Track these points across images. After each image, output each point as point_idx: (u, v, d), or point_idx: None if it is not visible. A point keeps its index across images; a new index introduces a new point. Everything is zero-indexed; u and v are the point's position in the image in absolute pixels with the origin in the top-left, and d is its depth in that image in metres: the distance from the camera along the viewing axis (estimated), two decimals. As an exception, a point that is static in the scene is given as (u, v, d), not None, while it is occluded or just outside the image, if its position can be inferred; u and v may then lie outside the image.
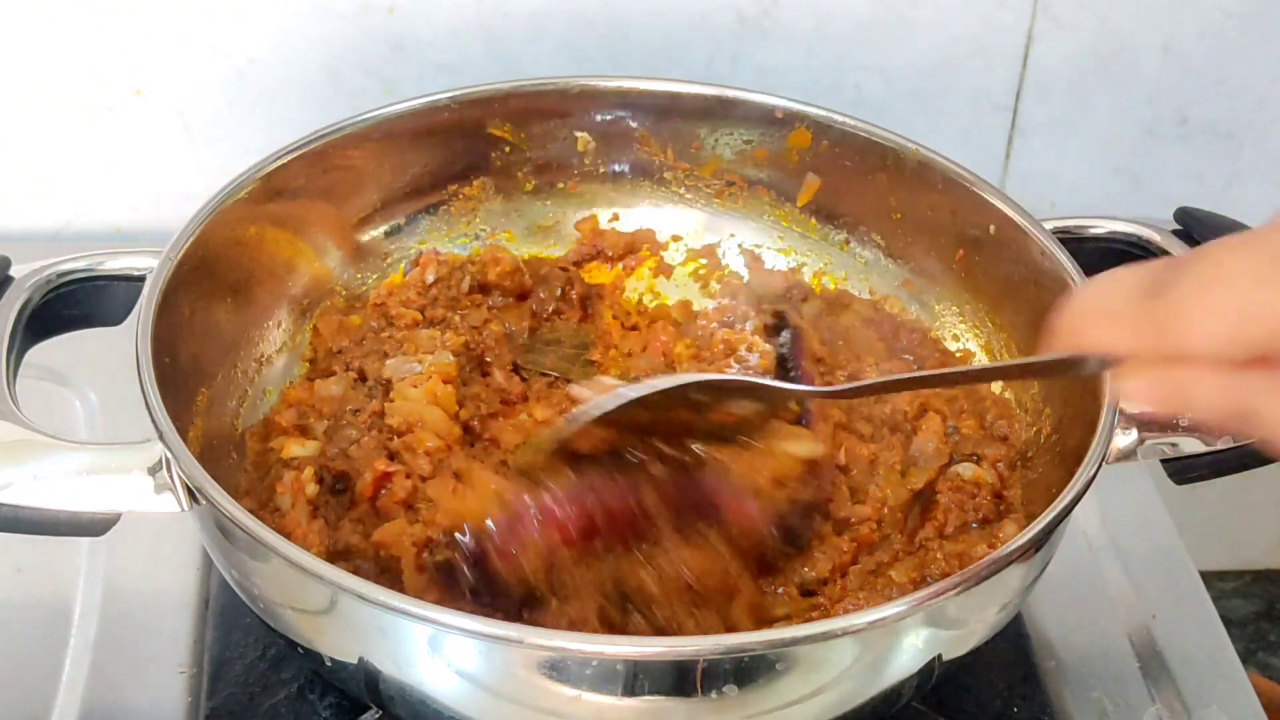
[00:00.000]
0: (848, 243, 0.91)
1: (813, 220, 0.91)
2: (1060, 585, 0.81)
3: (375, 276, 0.89)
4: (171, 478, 0.66)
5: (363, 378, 0.81)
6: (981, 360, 0.85)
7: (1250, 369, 0.46)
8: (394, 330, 0.83)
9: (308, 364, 0.84)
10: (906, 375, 0.82)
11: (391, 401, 0.78)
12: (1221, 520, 1.43)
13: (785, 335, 0.83)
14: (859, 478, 0.77)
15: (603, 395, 0.69)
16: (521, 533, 0.66)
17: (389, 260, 0.90)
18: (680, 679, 0.59)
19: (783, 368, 0.81)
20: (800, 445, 0.72)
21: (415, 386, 0.78)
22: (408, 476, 0.74)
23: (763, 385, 0.72)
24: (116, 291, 0.77)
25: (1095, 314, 0.49)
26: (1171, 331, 0.46)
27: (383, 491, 0.74)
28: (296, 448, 0.77)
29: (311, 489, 0.73)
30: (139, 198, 1.07)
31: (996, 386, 0.83)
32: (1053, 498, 0.65)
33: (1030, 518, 0.67)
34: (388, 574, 0.70)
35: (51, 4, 0.98)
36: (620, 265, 0.92)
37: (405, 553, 0.70)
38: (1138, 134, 1.12)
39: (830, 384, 0.82)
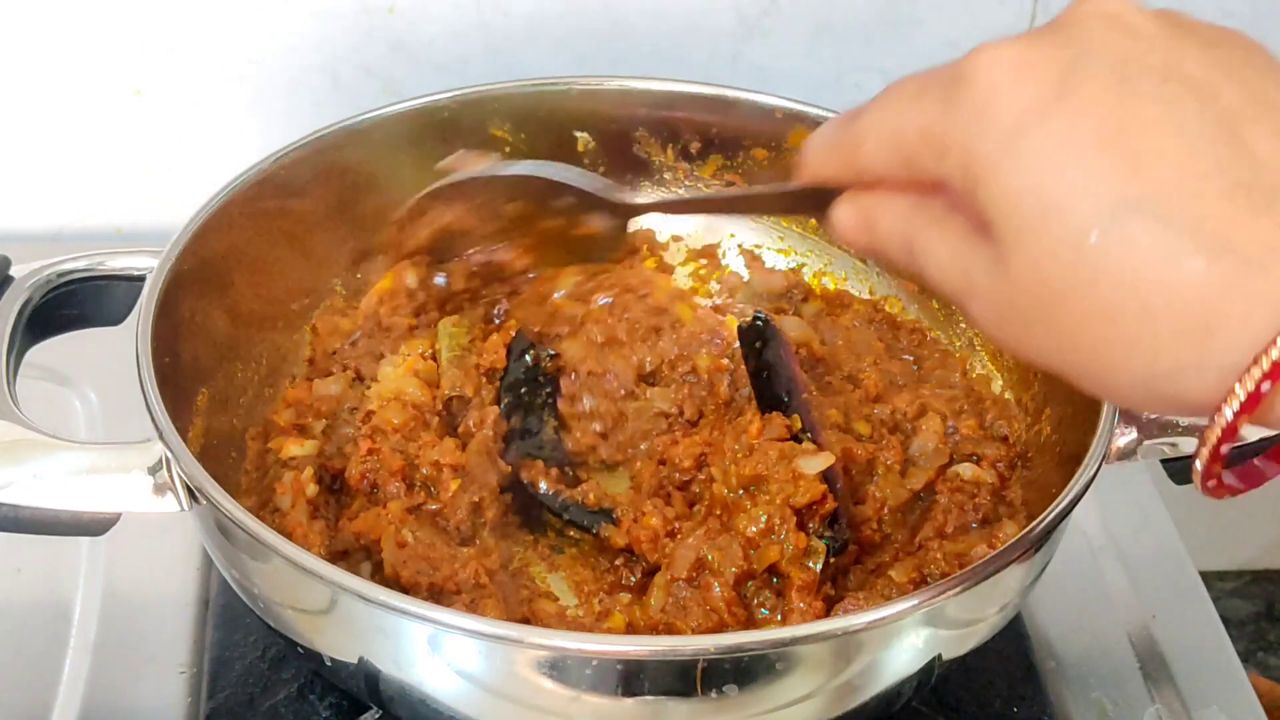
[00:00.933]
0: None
1: (813, 220, 0.91)
2: (1060, 585, 0.81)
3: (374, 275, 0.89)
4: (171, 477, 0.66)
5: (359, 377, 0.81)
6: (984, 361, 0.85)
7: (925, 196, 0.50)
8: (389, 336, 0.83)
9: (307, 364, 0.84)
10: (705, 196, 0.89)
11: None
12: (1221, 520, 1.43)
13: (766, 356, 0.80)
14: (858, 478, 0.77)
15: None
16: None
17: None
18: (680, 679, 0.59)
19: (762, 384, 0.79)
20: (813, 462, 0.71)
21: (396, 366, 0.79)
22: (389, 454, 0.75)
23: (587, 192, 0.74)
24: (116, 291, 0.77)
25: (812, 146, 0.54)
26: (855, 151, 0.52)
27: (368, 481, 0.75)
28: (295, 448, 0.77)
29: (311, 489, 0.73)
30: (139, 198, 1.07)
31: (996, 386, 0.83)
32: (1053, 498, 0.65)
33: (1030, 518, 0.67)
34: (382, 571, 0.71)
35: (51, 4, 0.98)
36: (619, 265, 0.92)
37: (384, 533, 0.71)
38: (1138, 134, 1.12)
39: (829, 388, 0.82)
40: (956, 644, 0.66)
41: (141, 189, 1.07)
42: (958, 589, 0.60)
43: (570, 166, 0.75)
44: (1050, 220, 0.45)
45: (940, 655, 0.65)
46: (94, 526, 0.67)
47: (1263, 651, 1.50)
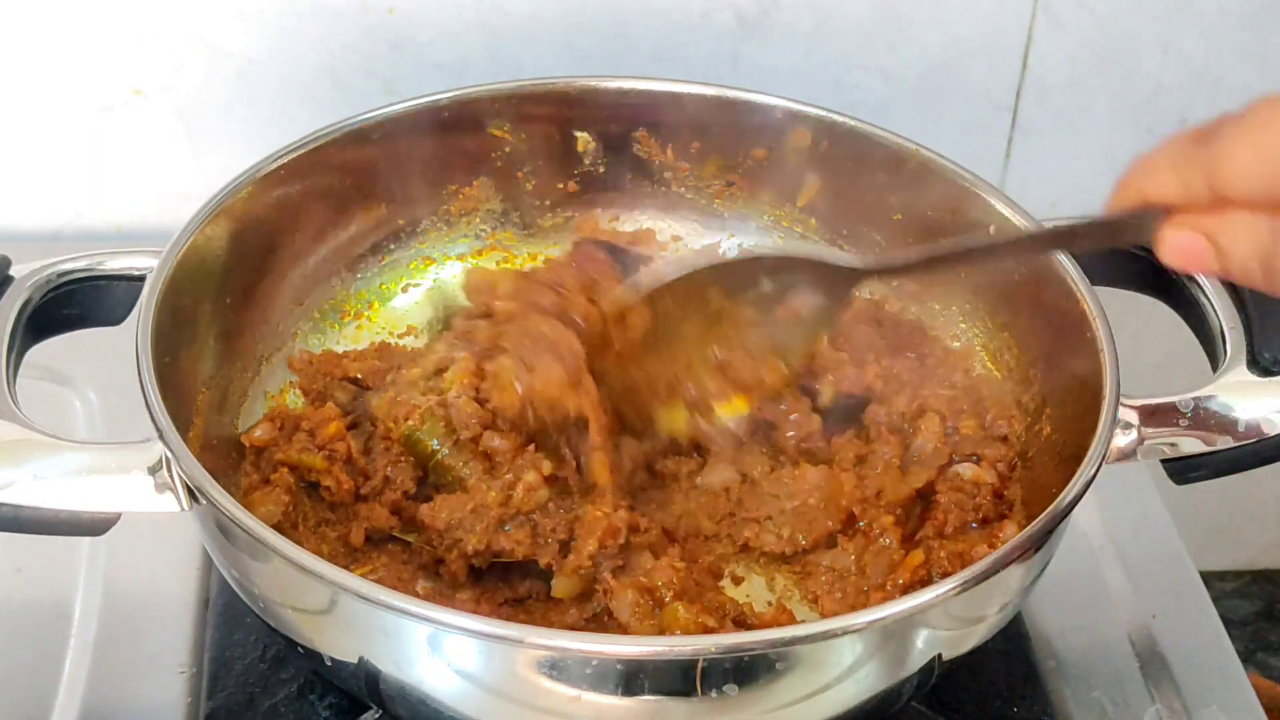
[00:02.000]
0: (848, 243, 0.91)
1: (813, 220, 0.91)
2: (1060, 585, 0.81)
3: (374, 276, 0.89)
4: (171, 477, 0.66)
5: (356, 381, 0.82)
6: (984, 361, 0.85)
7: None
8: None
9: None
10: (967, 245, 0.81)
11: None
12: (1221, 520, 1.43)
13: None
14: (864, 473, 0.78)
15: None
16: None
17: (387, 260, 0.90)
18: (680, 679, 0.59)
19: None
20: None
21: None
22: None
23: (824, 261, 0.72)
24: (116, 291, 0.77)
25: (1149, 166, 0.53)
26: (1217, 171, 0.50)
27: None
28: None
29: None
30: (139, 198, 1.07)
31: (996, 386, 0.83)
32: (1053, 498, 0.65)
33: (1030, 518, 0.67)
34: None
35: (51, 4, 0.98)
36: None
37: None
38: (1138, 134, 1.12)
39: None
40: (956, 644, 0.66)
41: (141, 189, 1.07)
42: (958, 589, 0.60)
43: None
44: None
45: (940, 655, 0.65)
46: (94, 526, 0.67)
47: (1263, 651, 1.50)
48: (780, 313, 0.73)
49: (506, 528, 0.72)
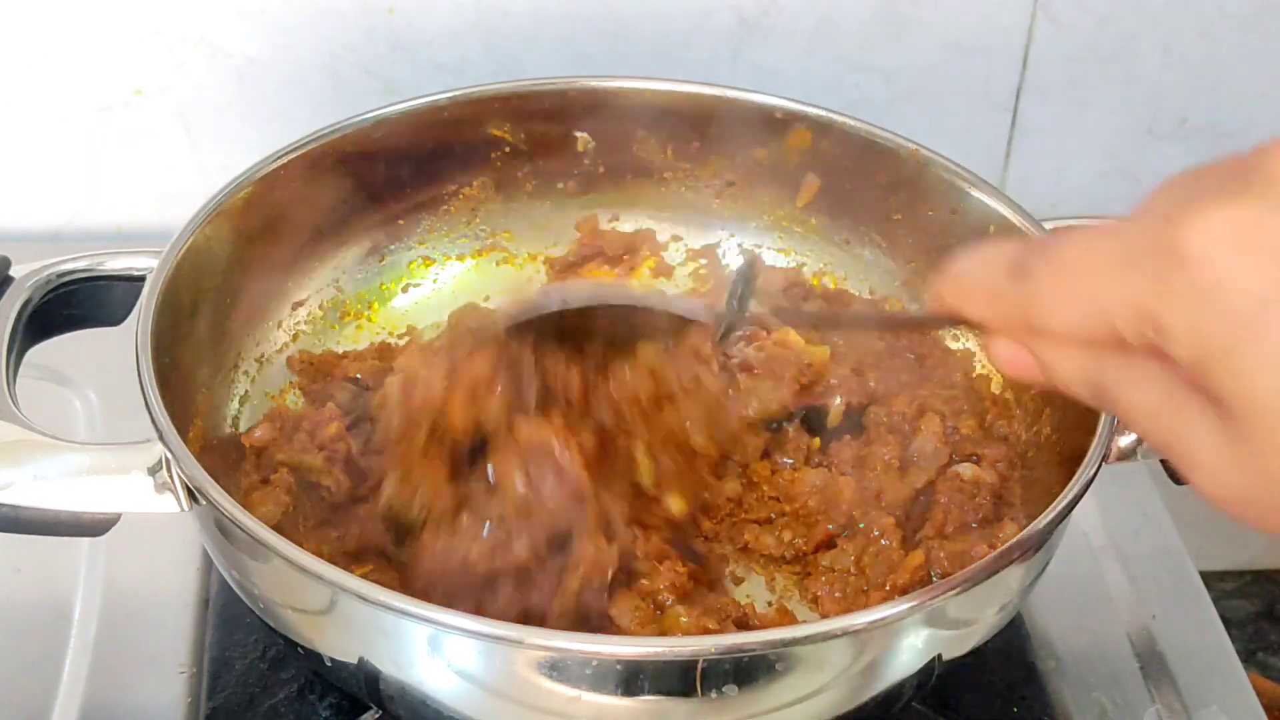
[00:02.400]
0: (848, 243, 0.91)
1: (813, 220, 0.91)
2: (1060, 585, 0.81)
3: (374, 276, 0.89)
4: (171, 478, 0.66)
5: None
6: (985, 362, 0.85)
7: (1108, 349, 0.48)
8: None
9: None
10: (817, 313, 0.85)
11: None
12: (1221, 520, 1.42)
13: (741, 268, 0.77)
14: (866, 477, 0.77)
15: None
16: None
17: (387, 260, 0.90)
18: (680, 679, 0.59)
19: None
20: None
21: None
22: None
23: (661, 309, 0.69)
24: (116, 291, 0.77)
25: (967, 287, 0.52)
26: (1031, 313, 0.49)
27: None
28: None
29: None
30: (139, 198, 1.07)
31: (996, 386, 0.83)
32: (1053, 498, 0.65)
33: (1030, 518, 0.67)
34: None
35: (51, 4, 0.98)
36: (620, 265, 0.92)
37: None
38: (1138, 134, 1.12)
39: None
40: (956, 644, 0.66)
41: (141, 189, 1.07)
42: (958, 589, 0.60)
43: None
44: None
45: (940, 655, 0.65)
46: (94, 527, 0.67)
47: (1263, 651, 1.50)
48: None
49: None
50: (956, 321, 0.53)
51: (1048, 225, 0.80)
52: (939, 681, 0.67)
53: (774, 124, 0.88)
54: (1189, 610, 0.84)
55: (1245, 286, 0.42)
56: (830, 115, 0.86)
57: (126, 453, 0.67)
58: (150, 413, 0.66)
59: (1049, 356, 0.50)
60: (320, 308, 0.87)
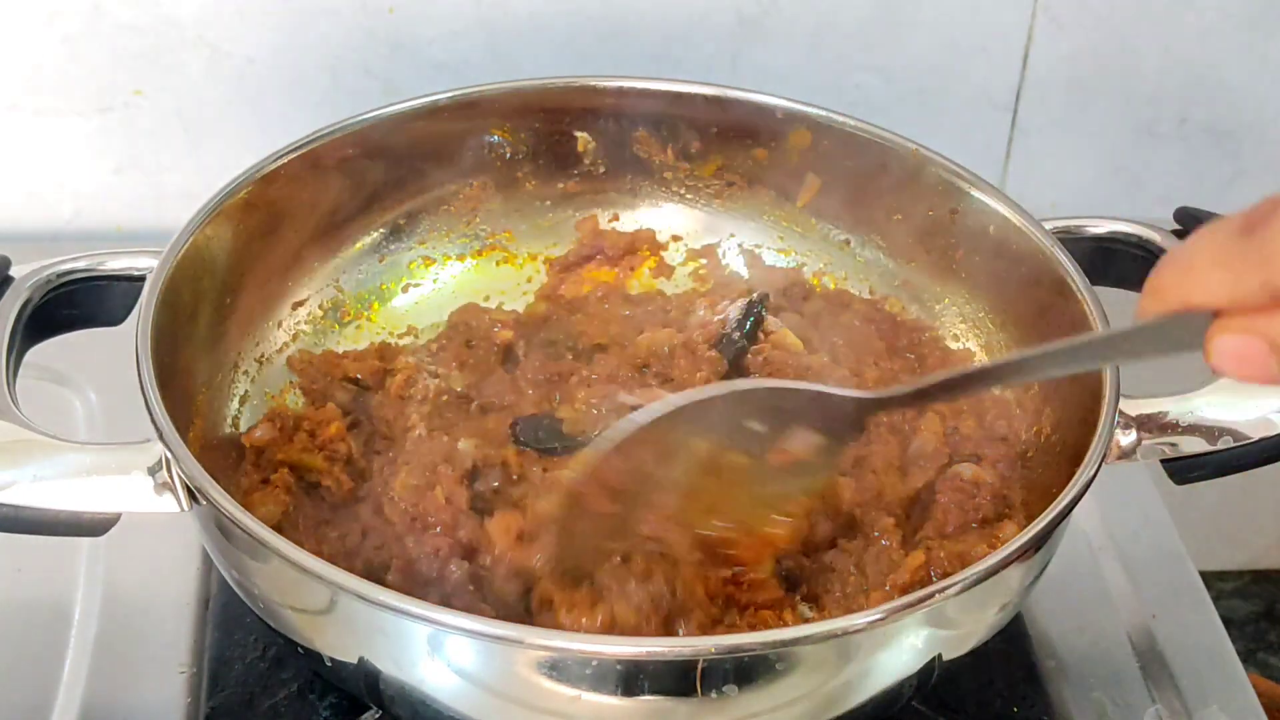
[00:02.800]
0: (848, 243, 0.91)
1: (813, 220, 0.91)
2: (1060, 585, 0.81)
3: (374, 276, 0.89)
4: (171, 478, 0.66)
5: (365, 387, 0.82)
6: (983, 359, 0.85)
7: None
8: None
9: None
10: (986, 366, 0.76)
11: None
12: (1221, 520, 1.43)
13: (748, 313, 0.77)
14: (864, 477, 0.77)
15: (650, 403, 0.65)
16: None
17: (387, 260, 0.90)
18: (680, 679, 0.59)
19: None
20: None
21: None
22: None
23: (831, 392, 0.64)
24: (116, 291, 0.77)
25: (1187, 264, 0.46)
26: (1272, 262, 0.44)
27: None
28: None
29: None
30: (139, 198, 1.07)
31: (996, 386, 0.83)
32: (1053, 498, 0.65)
33: (1030, 518, 0.67)
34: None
35: (51, 3, 0.98)
36: (620, 265, 0.92)
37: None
38: (1138, 134, 1.12)
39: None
40: (956, 644, 0.66)
41: (141, 189, 1.07)
42: (958, 589, 0.60)
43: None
44: None
45: (940, 655, 0.65)
46: (94, 526, 0.67)
47: (1263, 651, 1.50)
48: (774, 458, 0.64)
49: None
50: (1182, 324, 0.47)
51: (1048, 225, 0.80)
52: (939, 681, 0.67)
53: (774, 124, 0.88)
54: (1189, 610, 0.84)
55: None
56: (830, 115, 0.86)
57: (126, 453, 0.67)
58: (150, 413, 0.66)
59: None
60: (320, 308, 0.87)
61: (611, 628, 0.67)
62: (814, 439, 0.64)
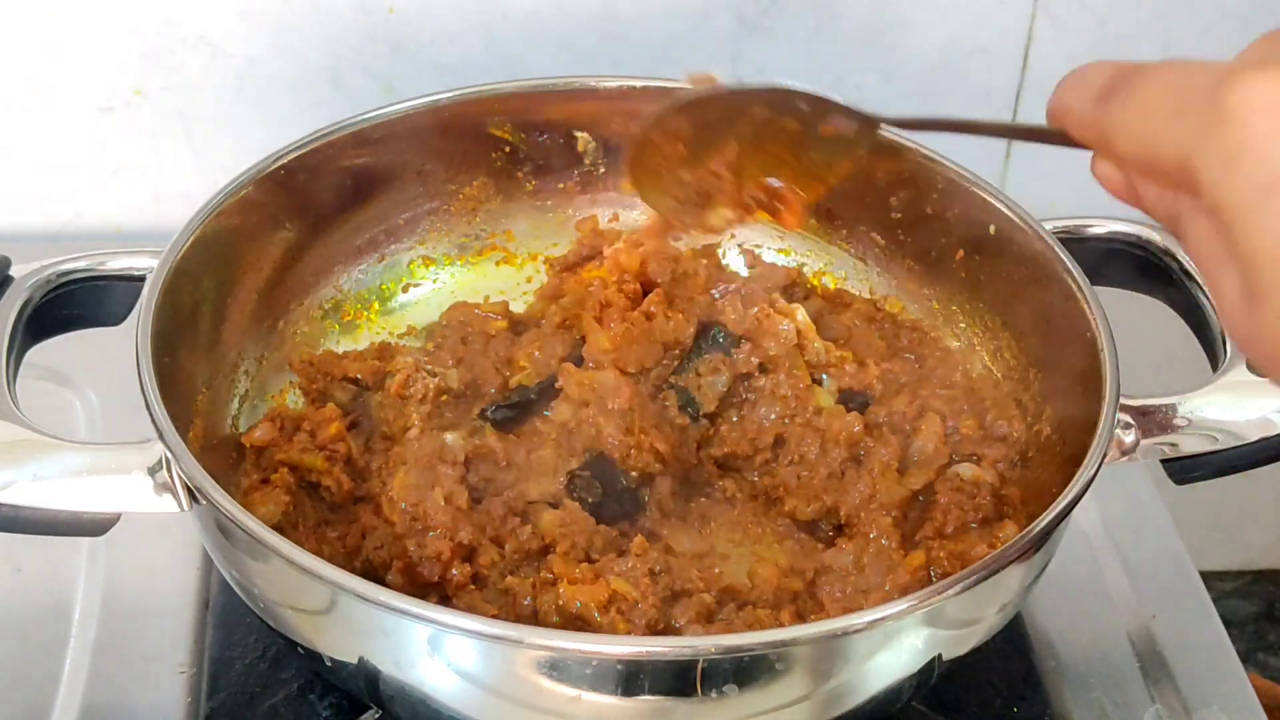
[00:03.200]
0: (848, 243, 0.91)
1: (813, 220, 0.91)
2: (1060, 585, 0.81)
3: (374, 276, 0.89)
4: (171, 478, 0.66)
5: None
6: (984, 361, 0.85)
7: (1182, 187, 0.49)
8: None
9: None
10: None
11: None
12: (1221, 520, 1.43)
13: None
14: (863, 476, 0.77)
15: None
16: None
17: (387, 260, 0.90)
18: (680, 679, 0.59)
19: None
20: None
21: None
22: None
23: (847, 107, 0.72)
24: (116, 291, 0.77)
25: (1064, 106, 0.54)
26: (1107, 141, 0.51)
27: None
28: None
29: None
30: (139, 198, 1.07)
31: (996, 386, 0.83)
32: (1053, 498, 0.65)
33: (1030, 518, 0.67)
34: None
35: (51, 3, 0.98)
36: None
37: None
38: (1138, 134, 1.12)
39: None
40: (956, 644, 0.66)
41: (141, 189, 1.07)
42: (958, 589, 0.60)
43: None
44: None
45: (940, 655, 0.65)
46: (94, 526, 0.67)
47: (1263, 651, 1.50)
48: (823, 130, 0.72)
49: None
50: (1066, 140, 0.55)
51: (1048, 225, 0.80)
52: (939, 681, 0.67)
53: (774, 124, 0.88)
54: (1189, 610, 0.84)
55: (1270, 155, 0.43)
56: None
57: (126, 453, 0.67)
58: (150, 413, 0.66)
59: (1137, 181, 0.52)
60: (320, 308, 0.87)
61: (611, 601, 0.68)
62: (850, 123, 0.72)
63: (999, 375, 0.84)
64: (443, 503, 0.72)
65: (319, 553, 0.70)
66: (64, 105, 1.02)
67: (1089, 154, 0.56)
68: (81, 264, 0.76)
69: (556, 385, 0.79)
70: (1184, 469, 0.73)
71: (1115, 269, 0.82)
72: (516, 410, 0.80)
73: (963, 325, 0.86)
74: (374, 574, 0.72)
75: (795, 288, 0.90)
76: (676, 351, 0.81)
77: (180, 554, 0.83)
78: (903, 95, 1.07)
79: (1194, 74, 0.48)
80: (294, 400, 0.83)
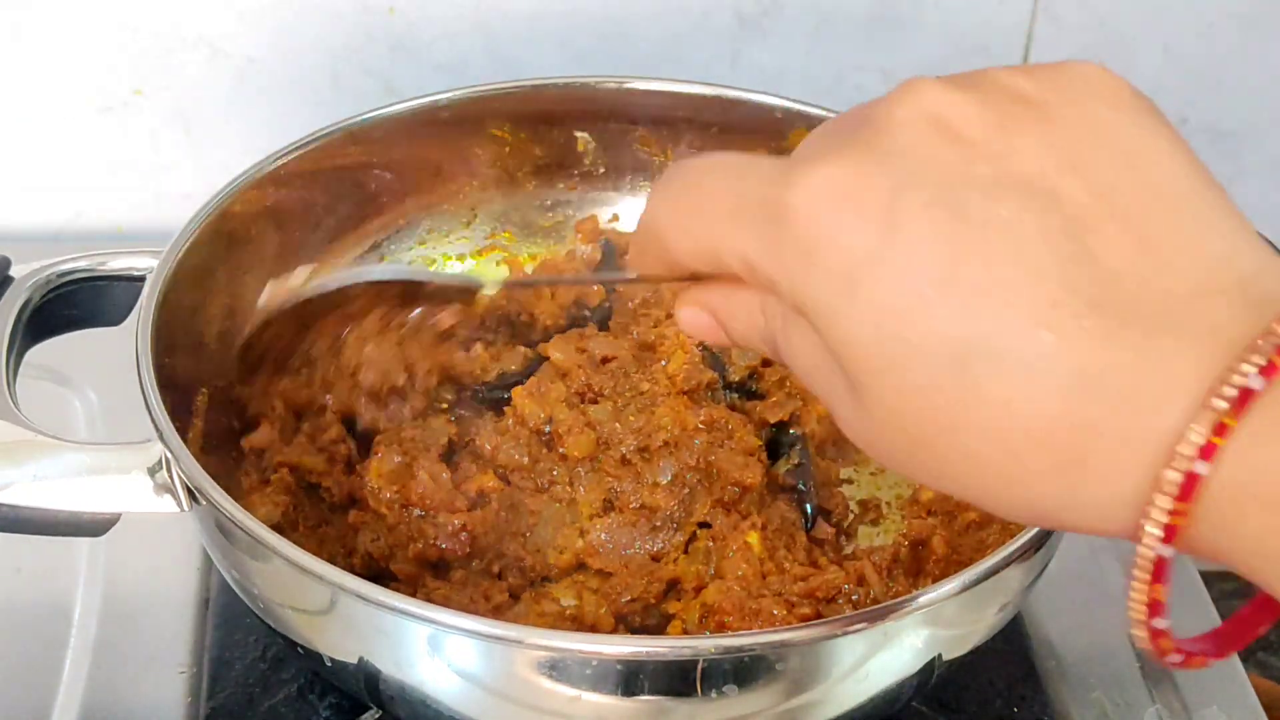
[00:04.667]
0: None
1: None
2: (1060, 585, 0.81)
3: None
4: (171, 478, 0.66)
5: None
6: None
7: (770, 297, 0.46)
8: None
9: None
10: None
11: None
12: (1221, 520, 1.43)
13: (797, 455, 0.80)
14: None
15: None
16: None
17: (386, 260, 0.90)
18: (680, 679, 0.59)
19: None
20: None
21: None
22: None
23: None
24: (116, 291, 0.77)
25: (644, 249, 0.49)
26: (662, 256, 0.47)
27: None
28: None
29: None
30: (139, 198, 1.07)
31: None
32: (1053, 498, 0.65)
33: (1030, 518, 0.67)
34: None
35: (51, 3, 0.98)
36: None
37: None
38: (1138, 134, 1.12)
39: None
40: (956, 644, 0.66)
41: (141, 189, 1.07)
42: (958, 589, 0.60)
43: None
44: (897, 372, 0.41)
45: (940, 655, 0.65)
46: (94, 527, 0.67)
47: (1263, 651, 1.50)
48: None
49: None
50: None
51: None
52: (939, 681, 0.67)
53: (774, 124, 0.88)
54: (1189, 610, 0.84)
55: (844, 244, 0.41)
56: (830, 115, 0.86)
57: (126, 453, 0.67)
58: (150, 413, 0.66)
59: (723, 309, 0.49)
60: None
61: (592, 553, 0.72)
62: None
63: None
64: (429, 481, 0.73)
65: (319, 553, 0.69)
66: (64, 105, 1.02)
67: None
68: (81, 264, 0.76)
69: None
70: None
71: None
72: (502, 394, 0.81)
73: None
74: (375, 568, 0.72)
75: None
76: None
77: (180, 554, 0.83)
78: (903, 95, 1.07)
79: (748, 171, 0.45)
80: None
